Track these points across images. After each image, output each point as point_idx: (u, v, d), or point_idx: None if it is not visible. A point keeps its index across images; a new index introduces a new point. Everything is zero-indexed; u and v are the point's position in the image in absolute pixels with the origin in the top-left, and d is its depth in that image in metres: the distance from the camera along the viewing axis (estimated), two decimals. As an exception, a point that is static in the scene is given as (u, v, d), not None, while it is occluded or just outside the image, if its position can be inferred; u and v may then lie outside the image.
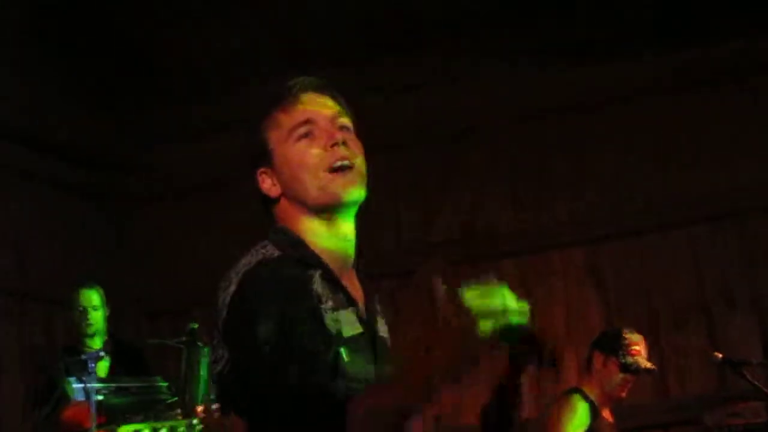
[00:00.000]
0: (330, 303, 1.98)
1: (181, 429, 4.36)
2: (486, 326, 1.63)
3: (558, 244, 6.55)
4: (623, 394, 4.93)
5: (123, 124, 7.29)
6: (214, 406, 4.26)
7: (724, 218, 6.28)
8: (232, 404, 1.96)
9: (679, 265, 6.31)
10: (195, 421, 4.38)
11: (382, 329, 2.11)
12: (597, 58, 6.38)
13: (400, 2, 6.48)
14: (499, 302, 1.69)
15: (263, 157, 2.09)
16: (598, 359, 4.94)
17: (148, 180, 7.60)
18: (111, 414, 4.91)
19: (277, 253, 2.00)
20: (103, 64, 6.87)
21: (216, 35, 6.71)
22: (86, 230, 7.20)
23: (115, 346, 5.85)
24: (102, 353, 5.46)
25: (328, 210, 2.05)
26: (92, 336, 5.87)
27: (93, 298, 5.88)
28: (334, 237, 2.06)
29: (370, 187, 2.07)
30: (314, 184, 2.03)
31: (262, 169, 2.10)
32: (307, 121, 2.06)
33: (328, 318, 1.95)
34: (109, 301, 5.92)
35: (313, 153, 2.04)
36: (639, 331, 5.00)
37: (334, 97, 2.12)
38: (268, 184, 2.09)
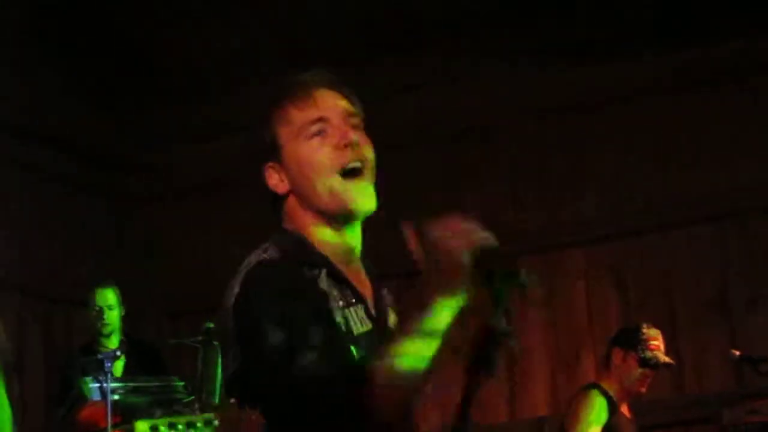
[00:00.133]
0: (338, 301, 1.97)
1: (199, 424, 4.36)
2: (466, 244, 1.80)
3: (558, 244, 6.55)
4: (643, 390, 4.99)
5: (123, 124, 7.29)
6: (232, 400, 4.26)
7: (724, 218, 6.29)
8: (249, 401, 1.95)
9: (679, 264, 6.31)
10: (211, 416, 4.37)
11: (394, 323, 2.09)
12: (597, 58, 6.38)
13: (400, 2, 6.49)
14: (468, 226, 1.85)
15: (272, 151, 2.05)
16: (617, 355, 4.99)
17: (148, 180, 7.59)
18: (127, 413, 4.93)
19: (278, 254, 1.98)
20: (103, 64, 6.87)
21: (216, 35, 6.72)
22: (86, 230, 7.20)
23: (130, 345, 5.87)
24: (118, 353, 5.50)
25: (337, 218, 2.03)
26: (108, 335, 5.90)
27: (108, 298, 5.91)
28: (341, 236, 2.04)
29: (378, 191, 2.05)
30: (325, 186, 2.00)
31: (270, 164, 2.05)
32: (320, 119, 2.02)
33: (338, 316, 1.94)
34: (124, 300, 5.96)
35: (324, 152, 2.00)
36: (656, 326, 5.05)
37: (346, 95, 2.08)
38: (275, 180, 2.05)
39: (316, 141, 2.02)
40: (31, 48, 6.58)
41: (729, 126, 6.30)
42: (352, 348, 1.90)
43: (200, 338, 5.07)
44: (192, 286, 6.97)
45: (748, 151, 6.26)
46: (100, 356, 5.27)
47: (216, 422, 4.31)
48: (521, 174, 6.72)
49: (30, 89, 6.63)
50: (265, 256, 1.98)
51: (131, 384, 5.26)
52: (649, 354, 4.92)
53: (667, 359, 4.98)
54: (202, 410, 4.60)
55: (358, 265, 2.09)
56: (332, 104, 2.05)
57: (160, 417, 4.58)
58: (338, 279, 2.00)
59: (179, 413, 4.65)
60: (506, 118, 6.65)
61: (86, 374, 5.34)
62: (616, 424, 4.91)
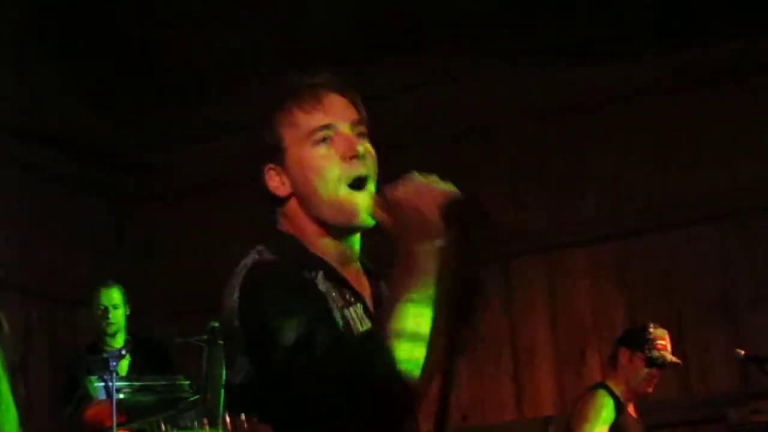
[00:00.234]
0: (337, 302, 1.96)
1: None
2: (431, 198, 1.86)
3: (558, 244, 6.55)
4: (649, 389, 4.99)
5: (123, 124, 7.30)
6: (242, 416, 4.24)
7: (724, 218, 6.29)
8: (258, 413, 1.93)
9: (679, 265, 6.31)
10: (219, 431, 4.36)
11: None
12: (597, 58, 6.38)
13: (400, 2, 6.49)
14: (428, 181, 1.92)
15: (274, 153, 2.01)
16: (624, 355, 5.00)
17: (148, 180, 7.60)
18: (132, 412, 4.94)
19: (274, 256, 1.96)
20: (103, 64, 6.87)
21: (216, 35, 6.72)
22: (86, 230, 7.20)
23: (137, 344, 5.87)
24: (123, 352, 5.50)
25: (341, 229, 2.01)
26: (113, 335, 5.90)
27: (113, 297, 5.92)
28: (341, 242, 2.03)
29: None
30: (331, 196, 1.97)
31: (271, 166, 2.02)
32: (328, 126, 1.99)
33: (337, 316, 1.93)
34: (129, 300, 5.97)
35: (332, 162, 1.97)
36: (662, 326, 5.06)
37: (353, 100, 2.05)
38: (275, 182, 2.02)
39: (322, 148, 1.98)
40: (31, 48, 6.58)
41: (729, 126, 6.30)
42: None
43: (205, 337, 5.07)
44: (192, 286, 6.97)
45: (748, 151, 6.26)
46: (105, 355, 5.28)
47: None
48: (521, 174, 6.72)
49: (30, 89, 6.63)
50: (261, 257, 1.96)
51: (136, 383, 5.28)
52: (656, 354, 4.93)
53: (674, 359, 4.99)
54: (206, 414, 4.60)
55: (357, 266, 2.08)
56: (340, 111, 2.02)
57: (167, 431, 4.60)
58: (335, 280, 1.99)
59: (188, 428, 4.66)
60: (506, 118, 6.65)
61: (91, 373, 5.35)
62: (623, 423, 4.92)
